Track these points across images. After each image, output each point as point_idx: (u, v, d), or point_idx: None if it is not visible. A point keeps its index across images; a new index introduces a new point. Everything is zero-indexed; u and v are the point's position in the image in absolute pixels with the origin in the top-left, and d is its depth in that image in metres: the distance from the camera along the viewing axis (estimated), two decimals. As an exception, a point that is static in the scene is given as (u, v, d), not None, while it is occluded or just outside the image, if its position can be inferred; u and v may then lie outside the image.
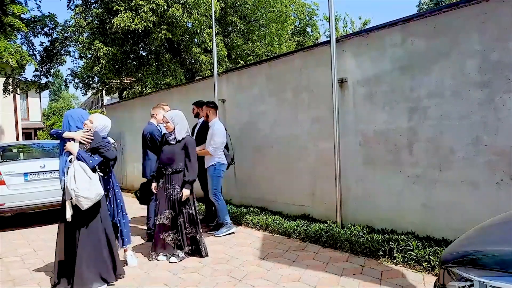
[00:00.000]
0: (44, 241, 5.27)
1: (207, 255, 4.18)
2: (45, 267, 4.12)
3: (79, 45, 14.59)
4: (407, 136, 4.11)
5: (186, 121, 4.29)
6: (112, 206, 3.87)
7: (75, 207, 3.30)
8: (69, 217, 3.30)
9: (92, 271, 3.32)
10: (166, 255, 4.13)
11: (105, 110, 16.60)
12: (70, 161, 3.39)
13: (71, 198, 3.24)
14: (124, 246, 3.95)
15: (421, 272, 3.41)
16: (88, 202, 3.26)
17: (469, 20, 3.61)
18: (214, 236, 4.99)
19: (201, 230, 4.26)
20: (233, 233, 5.03)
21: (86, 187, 3.23)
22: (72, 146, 3.46)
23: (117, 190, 3.92)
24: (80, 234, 3.34)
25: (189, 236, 4.18)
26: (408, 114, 4.08)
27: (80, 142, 3.49)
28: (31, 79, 15.48)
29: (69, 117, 3.68)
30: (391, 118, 4.24)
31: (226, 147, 5.18)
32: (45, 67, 15.43)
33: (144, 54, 15.06)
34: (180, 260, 4.05)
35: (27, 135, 26.64)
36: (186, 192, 4.08)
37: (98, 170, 3.56)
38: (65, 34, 15.23)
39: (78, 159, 3.37)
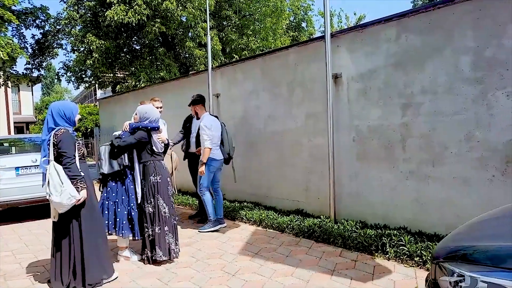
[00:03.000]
0: (35, 235, 5.23)
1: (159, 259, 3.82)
2: (37, 262, 4.10)
3: (72, 38, 14.44)
4: (400, 132, 4.12)
5: (152, 116, 3.95)
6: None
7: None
8: (53, 218, 3.24)
9: (68, 273, 3.27)
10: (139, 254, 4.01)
11: (98, 104, 16.46)
12: (46, 163, 3.18)
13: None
14: (136, 238, 3.91)
15: (413, 266, 3.44)
16: (62, 208, 3.11)
17: (464, 16, 3.62)
18: (199, 231, 4.99)
19: (161, 231, 3.84)
20: (217, 230, 4.95)
21: (58, 192, 3.06)
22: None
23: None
24: (58, 234, 3.29)
25: (150, 238, 3.85)
26: (402, 110, 4.10)
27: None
28: (22, 72, 15.30)
29: (48, 115, 3.28)
30: (385, 114, 4.25)
31: (222, 142, 5.08)
32: (37, 60, 15.26)
33: (137, 47, 14.94)
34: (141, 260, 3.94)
35: (19, 129, 26.38)
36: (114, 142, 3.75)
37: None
38: (57, 27, 15.05)
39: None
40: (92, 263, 3.30)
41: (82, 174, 3.25)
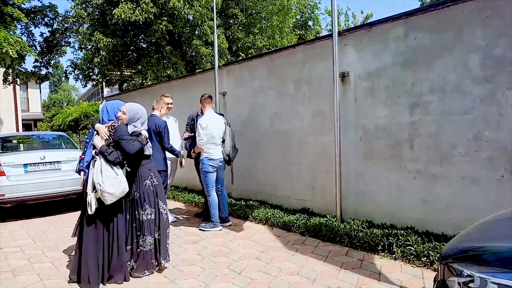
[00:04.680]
0: (43, 232, 5.28)
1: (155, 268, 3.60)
2: (45, 258, 4.14)
3: (79, 36, 14.54)
4: (408, 131, 4.09)
5: (143, 116, 3.62)
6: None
7: (98, 201, 3.28)
8: (93, 210, 3.24)
9: (100, 269, 3.33)
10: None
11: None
12: (97, 154, 3.34)
13: (95, 191, 3.23)
14: None
15: (420, 267, 3.42)
16: (112, 198, 3.24)
17: (473, 14, 3.58)
18: (199, 228, 5.03)
19: (159, 238, 3.57)
20: (220, 229, 4.93)
21: (112, 183, 3.21)
22: (97, 140, 3.40)
23: None
24: (97, 229, 3.35)
25: (144, 249, 3.51)
26: (410, 109, 4.07)
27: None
28: (31, 70, 15.43)
29: (103, 111, 3.62)
30: (393, 113, 4.23)
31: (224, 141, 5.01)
32: (45, 58, 15.37)
33: (144, 46, 14.99)
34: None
35: (27, 126, 26.62)
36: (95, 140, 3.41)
37: (126, 165, 3.44)
38: (65, 25, 15.14)
39: (99, 153, 3.31)
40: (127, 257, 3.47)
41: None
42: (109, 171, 3.26)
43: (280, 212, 5.23)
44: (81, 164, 3.74)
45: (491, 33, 3.46)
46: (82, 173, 3.71)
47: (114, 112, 3.59)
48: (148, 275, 3.50)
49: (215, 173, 4.96)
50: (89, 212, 3.25)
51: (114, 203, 3.32)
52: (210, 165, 4.87)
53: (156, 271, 3.59)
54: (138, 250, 3.51)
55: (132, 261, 3.52)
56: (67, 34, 15.57)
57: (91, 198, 3.25)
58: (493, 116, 3.47)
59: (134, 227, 3.54)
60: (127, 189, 3.35)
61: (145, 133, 3.61)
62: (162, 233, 3.60)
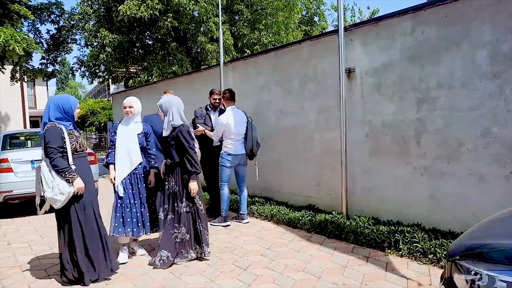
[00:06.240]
0: (51, 228, 5.32)
1: (205, 256, 3.79)
2: (52, 254, 4.17)
3: (85, 33, 14.58)
4: (415, 127, 4.05)
5: (179, 107, 3.74)
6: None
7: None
8: (39, 212, 3.26)
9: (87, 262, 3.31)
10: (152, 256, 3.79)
11: (111, 98, 16.63)
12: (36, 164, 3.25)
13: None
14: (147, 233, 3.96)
15: (427, 264, 3.40)
16: (56, 203, 3.11)
17: (482, 9, 3.52)
18: (210, 224, 5.03)
19: (201, 229, 3.74)
20: (228, 225, 4.96)
21: (50, 187, 3.08)
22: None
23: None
24: (62, 228, 3.34)
25: (178, 239, 3.71)
26: (417, 105, 4.03)
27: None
28: (38, 67, 15.51)
29: (46, 110, 3.29)
30: (399, 109, 4.19)
31: (246, 137, 4.99)
32: (52, 55, 15.44)
33: (150, 42, 15.00)
34: (160, 263, 3.61)
35: (34, 123, 26.83)
36: (192, 185, 3.63)
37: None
38: (72, 22, 15.19)
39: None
40: (99, 256, 3.35)
41: (69, 166, 3.16)
42: (47, 175, 3.11)
43: (286, 208, 5.23)
44: (109, 158, 3.88)
45: (500, 27, 3.41)
46: (111, 166, 3.87)
47: (59, 109, 3.25)
48: (179, 263, 3.68)
49: (232, 169, 4.99)
50: (38, 213, 3.29)
51: (75, 198, 3.19)
52: (228, 160, 4.91)
53: (196, 259, 3.77)
54: (177, 240, 3.70)
55: (165, 251, 3.65)
56: (73, 31, 15.61)
57: (45, 205, 3.24)
58: (501, 112, 3.42)
59: (171, 219, 3.71)
60: (69, 190, 3.10)
61: (186, 127, 3.67)
62: (204, 224, 3.78)
